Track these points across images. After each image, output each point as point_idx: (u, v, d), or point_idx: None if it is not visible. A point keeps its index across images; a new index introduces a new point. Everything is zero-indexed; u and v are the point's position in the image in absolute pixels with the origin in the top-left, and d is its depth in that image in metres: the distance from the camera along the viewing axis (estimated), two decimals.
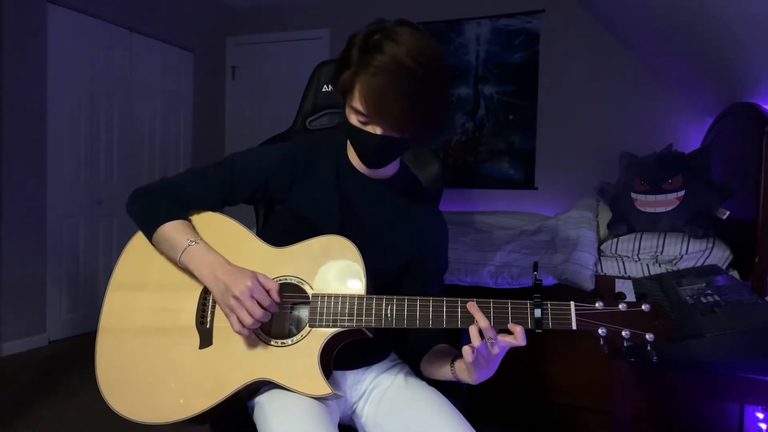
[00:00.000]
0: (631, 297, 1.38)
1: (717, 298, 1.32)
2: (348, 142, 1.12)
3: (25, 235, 3.18)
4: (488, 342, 0.89)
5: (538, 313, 0.89)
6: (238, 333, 0.97)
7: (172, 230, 1.04)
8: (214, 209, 1.11)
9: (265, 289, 0.97)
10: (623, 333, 0.86)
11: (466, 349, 0.90)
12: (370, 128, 0.99)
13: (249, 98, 4.62)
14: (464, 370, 0.97)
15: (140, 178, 3.93)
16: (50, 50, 3.26)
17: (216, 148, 4.62)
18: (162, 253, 1.07)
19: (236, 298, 0.95)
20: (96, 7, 3.51)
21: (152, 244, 1.08)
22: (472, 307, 0.90)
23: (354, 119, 1.01)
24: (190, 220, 1.08)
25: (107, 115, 3.68)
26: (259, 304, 0.95)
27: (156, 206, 1.07)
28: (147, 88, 3.97)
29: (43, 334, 3.31)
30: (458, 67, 3.92)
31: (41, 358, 3.07)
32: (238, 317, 0.95)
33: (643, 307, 0.87)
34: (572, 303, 0.89)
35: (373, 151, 1.02)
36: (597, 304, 0.88)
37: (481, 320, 0.88)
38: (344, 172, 1.12)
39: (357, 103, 0.98)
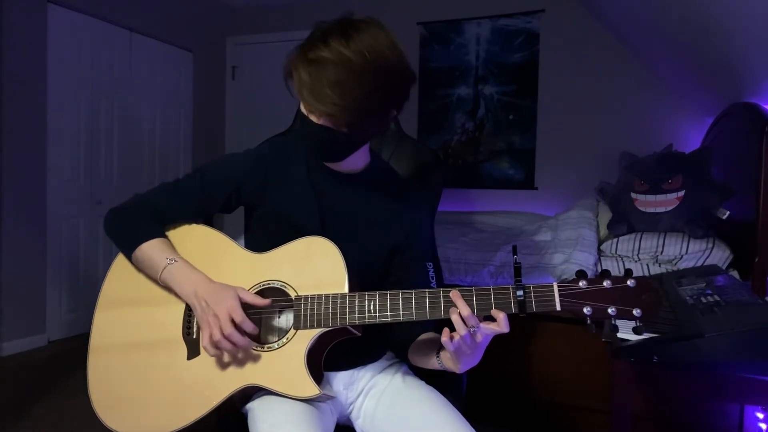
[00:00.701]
0: None
1: (717, 298, 1.32)
2: None
3: (25, 235, 3.17)
4: (471, 330, 0.88)
5: (520, 296, 0.88)
6: (206, 348, 0.97)
7: (150, 250, 1.05)
8: (190, 221, 1.11)
9: (249, 301, 0.98)
10: (609, 310, 0.85)
11: (445, 340, 0.90)
12: (313, 117, 0.99)
13: (249, 98, 4.62)
14: (449, 359, 0.97)
15: (140, 178, 3.93)
16: (50, 50, 3.26)
17: (216, 148, 4.62)
18: (142, 271, 1.08)
19: (216, 316, 0.96)
20: (96, 7, 3.51)
21: (132, 264, 1.09)
22: (455, 295, 0.90)
23: (302, 105, 1.00)
24: (167, 236, 1.09)
25: (107, 115, 3.68)
26: (235, 326, 0.96)
27: (132, 226, 1.07)
28: (147, 88, 3.97)
29: (43, 334, 3.31)
30: (458, 67, 3.92)
31: (41, 358, 3.07)
32: (211, 333, 0.96)
33: (629, 282, 0.86)
34: (555, 283, 0.88)
35: (314, 140, 1.01)
36: (581, 283, 0.87)
37: (463, 308, 0.89)
38: (315, 169, 1.12)
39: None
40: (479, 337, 0.90)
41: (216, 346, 0.96)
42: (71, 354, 3.15)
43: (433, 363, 1.03)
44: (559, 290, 0.87)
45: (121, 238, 1.08)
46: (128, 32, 3.78)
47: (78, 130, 3.48)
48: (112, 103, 3.71)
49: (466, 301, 0.90)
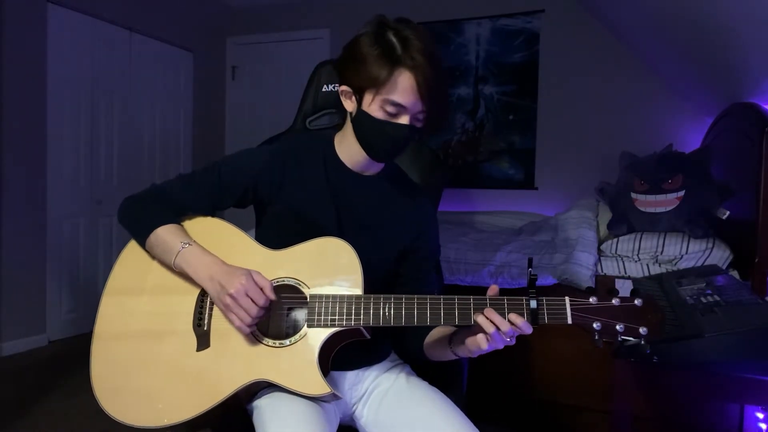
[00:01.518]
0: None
1: (717, 298, 1.32)
2: (336, 140, 1.15)
3: (25, 235, 3.17)
4: (509, 339, 0.91)
5: (534, 307, 0.91)
6: (239, 329, 0.98)
7: (165, 234, 1.04)
8: (204, 214, 1.11)
9: (259, 286, 0.98)
10: (617, 327, 0.89)
11: (481, 340, 0.91)
12: (400, 119, 1.01)
13: (249, 98, 4.62)
14: (466, 350, 0.97)
15: (140, 178, 3.93)
16: (50, 50, 3.26)
17: (216, 148, 4.62)
18: (156, 257, 1.07)
19: (231, 296, 0.96)
20: (96, 7, 3.51)
21: (146, 250, 1.08)
22: (490, 312, 0.91)
23: (380, 113, 1.01)
24: (182, 225, 1.09)
25: (107, 115, 3.68)
26: (254, 301, 0.96)
27: (147, 212, 1.07)
28: (147, 88, 3.97)
29: (43, 334, 3.31)
30: (458, 67, 3.92)
31: (41, 358, 3.07)
32: (236, 315, 0.96)
33: (636, 301, 0.90)
34: (567, 298, 0.91)
35: (398, 142, 1.04)
36: (591, 299, 0.91)
37: (502, 324, 0.90)
38: (333, 169, 1.13)
39: (396, 95, 0.99)
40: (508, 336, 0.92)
41: (249, 326, 0.97)
42: (71, 354, 3.15)
43: (447, 354, 1.04)
44: (571, 305, 0.91)
45: (136, 223, 1.08)
46: (128, 32, 3.78)
47: (78, 130, 3.48)
48: (112, 103, 3.71)
49: (479, 309, 0.92)
